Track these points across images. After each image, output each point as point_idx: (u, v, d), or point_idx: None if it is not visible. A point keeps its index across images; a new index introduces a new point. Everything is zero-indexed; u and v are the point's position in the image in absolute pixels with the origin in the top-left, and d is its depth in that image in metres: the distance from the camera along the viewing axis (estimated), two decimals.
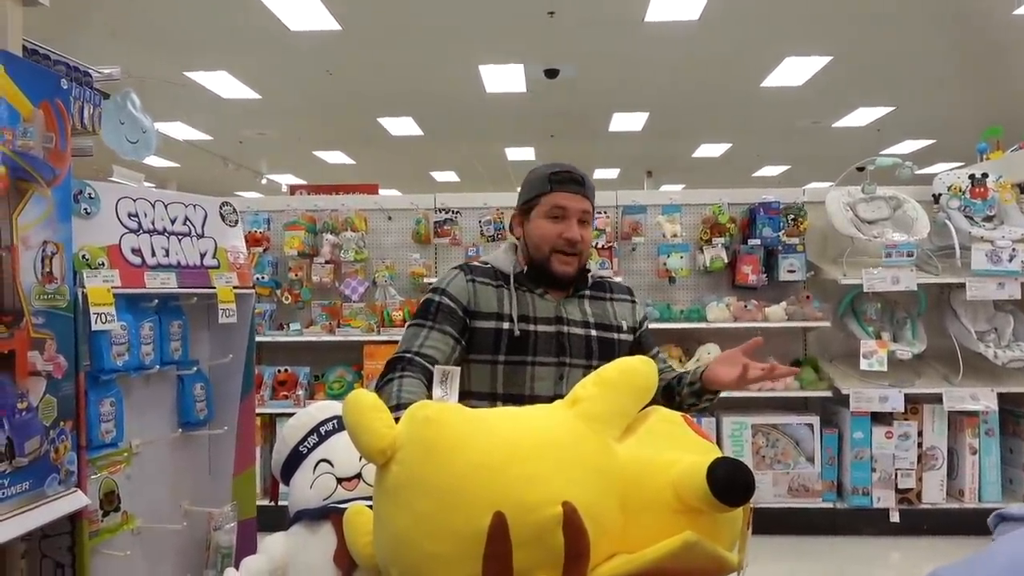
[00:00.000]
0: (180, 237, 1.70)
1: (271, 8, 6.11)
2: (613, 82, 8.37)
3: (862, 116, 9.92)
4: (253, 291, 1.89)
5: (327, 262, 3.92)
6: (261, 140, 10.96)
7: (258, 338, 3.80)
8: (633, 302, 1.83)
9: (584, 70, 7.92)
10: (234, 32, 6.71)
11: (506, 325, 1.64)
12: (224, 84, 8.15)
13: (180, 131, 10.13)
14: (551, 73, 7.91)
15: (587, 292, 1.76)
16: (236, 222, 1.82)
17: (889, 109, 9.57)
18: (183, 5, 6.13)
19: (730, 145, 11.76)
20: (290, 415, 3.70)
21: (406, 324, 1.63)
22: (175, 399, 1.80)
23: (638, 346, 1.79)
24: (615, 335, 1.72)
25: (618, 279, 1.91)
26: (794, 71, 7.91)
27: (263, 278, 3.88)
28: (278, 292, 3.92)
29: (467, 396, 1.63)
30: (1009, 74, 7.96)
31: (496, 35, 6.86)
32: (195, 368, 1.80)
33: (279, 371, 3.83)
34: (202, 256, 1.78)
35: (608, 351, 1.68)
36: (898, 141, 11.21)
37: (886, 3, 6.20)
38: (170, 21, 6.46)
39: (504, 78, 8.12)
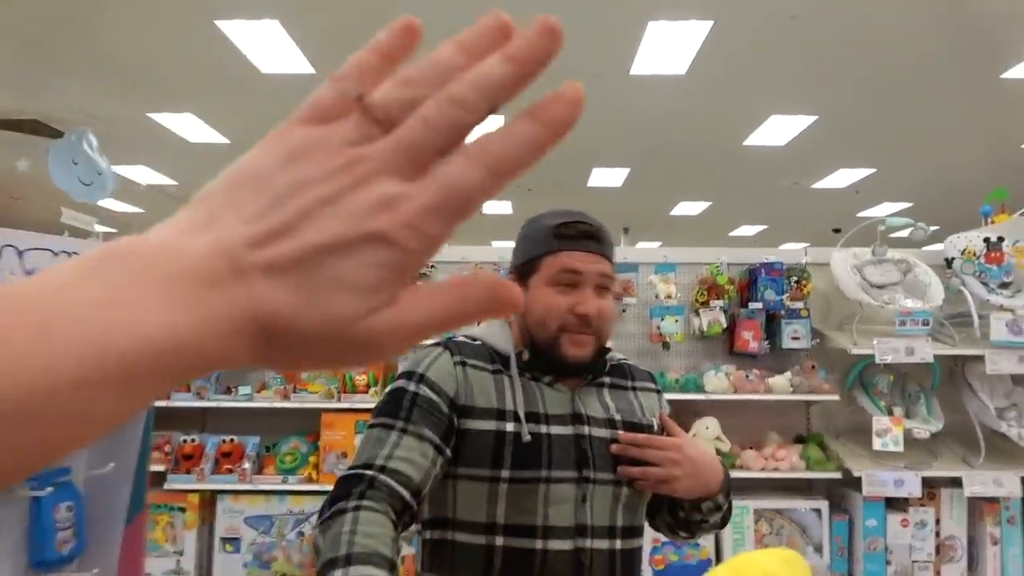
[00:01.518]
0: None
1: (241, 49, 5.83)
2: (595, 136, 8.20)
3: (842, 178, 9.88)
4: None
5: None
6: None
7: (202, 403, 3.37)
8: (658, 392, 1.46)
9: None
10: (202, 73, 6.41)
11: (510, 427, 1.22)
12: (191, 127, 7.83)
13: (143, 175, 9.74)
14: None
15: (606, 380, 1.37)
16: None
17: (870, 171, 9.54)
18: (149, 43, 5.84)
19: (709, 204, 11.67)
20: (234, 492, 3.26)
21: (368, 423, 1.22)
22: (25, 528, 1.32)
23: None
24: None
25: (629, 360, 1.50)
26: (778, 130, 7.82)
27: None
28: None
29: (453, 526, 1.24)
30: (992, 138, 7.93)
31: None
32: (58, 482, 1.32)
33: (224, 440, 3.38)
34: None
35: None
36: (877, 203, 11.21)
37: (873, 64, 6.12)
38: (135, 59, 6.15)
39: (483, 128, 7.90)
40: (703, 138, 8.20)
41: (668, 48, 5.82)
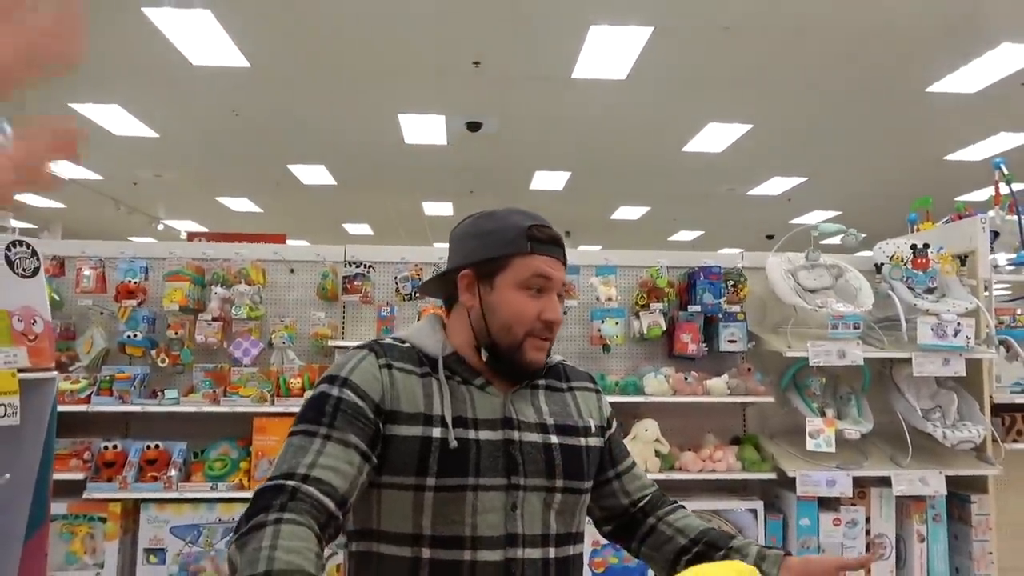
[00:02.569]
0: None
1: (171, 39, 5.61)
2: (537, 139, 8.23)
3: (776, 185, 10.17)
4: (54, 375, 1.33)
5: (215, 319, 3.37)
6: (158, 182, 10.23)
7: (125, 408, 3.20)
8: (597, 391, 1.41)
9: (507, 125, 7.74)
10: (129, 63, 6.14)
11: (436, 432, 1.16)
12: (117, 119, 7.50)
13: (65, 168, 9.28)
14: (473, 126, 7.68)
15: (541, 382, 1.32)
16: (36, 270, 1.30)
17: (801, 179, 9.85)
18: None
19: (648, 208, 11.85)
20: (159, 501, 3.12)
21: (289, 431, 1.14)
22: None
23: (608, 456, 1.37)
24: (582, 440, 1.29)
25: (566, 360, 1.45)
26: (715, 137, 7.99)
27: (135, 336, 3.30)
28: (153, 353, 3.34)
29: (378, 538, 1.18)
30: (917, 150, 8.28)
31: (418, 83, 6.57)
32: None
33: (148, 447, 3.22)
34: None
35: (574, 465, 1.25)
36: (807, 211, 11.57)
37: (805, 76, 6.31)
38: None
39: (424, 129, 7.84)
40: (643, 143, 8.31)
41: (609, 52, 5.87)
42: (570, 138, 8.16)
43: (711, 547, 1.25)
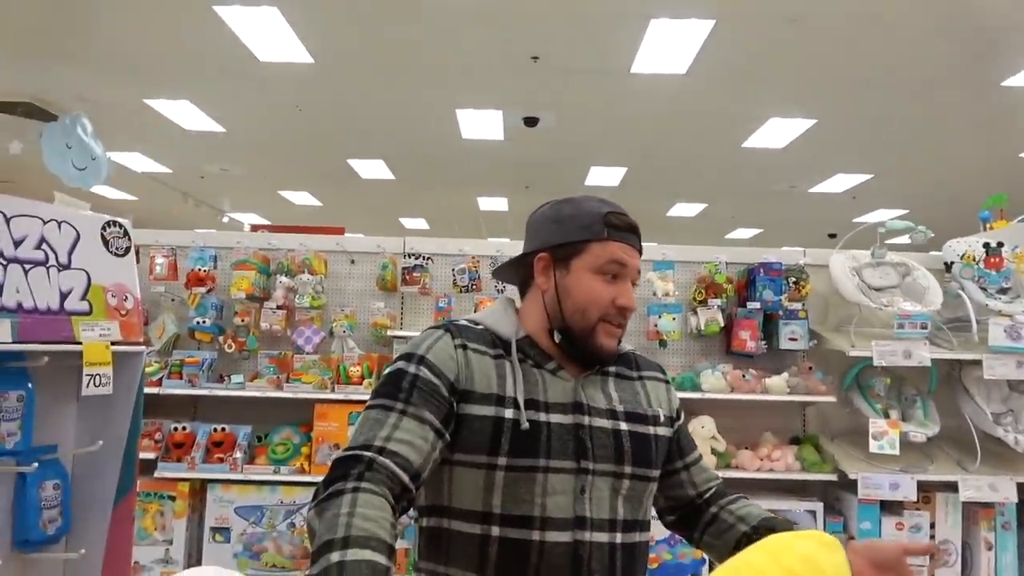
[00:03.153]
0: (27, 267, 1.22)
1: (240, 36, 5.78)
2: (593, 134, 8.19)
3: (839, 183, 9.89)
4: (143, 349, 1.41)
5: (279, 307, 3.48)
6: (224, 176, 10.55)
7: (194, 391, 3.33)
8: (667, 382, 1.40)
9: (564, 120, 7.72)
10: (199, 59, 6.36)
11: (509, 413, 1.18)
12: (186, 114, 7.77)
13: (138, 162, 9.68)
14: (530, 121, 7.69)
15: (611, 369, 1.32)
16: (127, 249, 1.37)
17: (867, 176, 9.55)
18: (146, 28, 5.78)
19: (705, 205, 11.67)
20: (224, 482, 3.23)
21: (367, 404, 1.18)
22: (10, 506, 1.26)
23: (676, 446, 1.37)
24: (651, 429, 1.29)
25: (637, 351, 1.46)
26: (777, 133, 7.81)
27: (204, 322, 3.42)
28: (220, 339, 3.46)
29: (449, 514, 1.20)
30: (991, 146, 7.95)
31: (476, 78, 6.61)
32: (44, 459, 1.27)
33: (215, 429, 3.34)
34: (64, 296, 1.27)
35: (643, 452, 1.25)
36: (872, 209, 11.23)
37: (873, 69, 6.12)
38: (131, 45, 6.09)
39: (482, 124, 7.88)
40: (701, 139, 8.19)
41: (669, 47, 5.81)
42: (627, 133, 8.10)
43: (772, 532, 1.22)
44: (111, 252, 1.34)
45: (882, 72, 6.17)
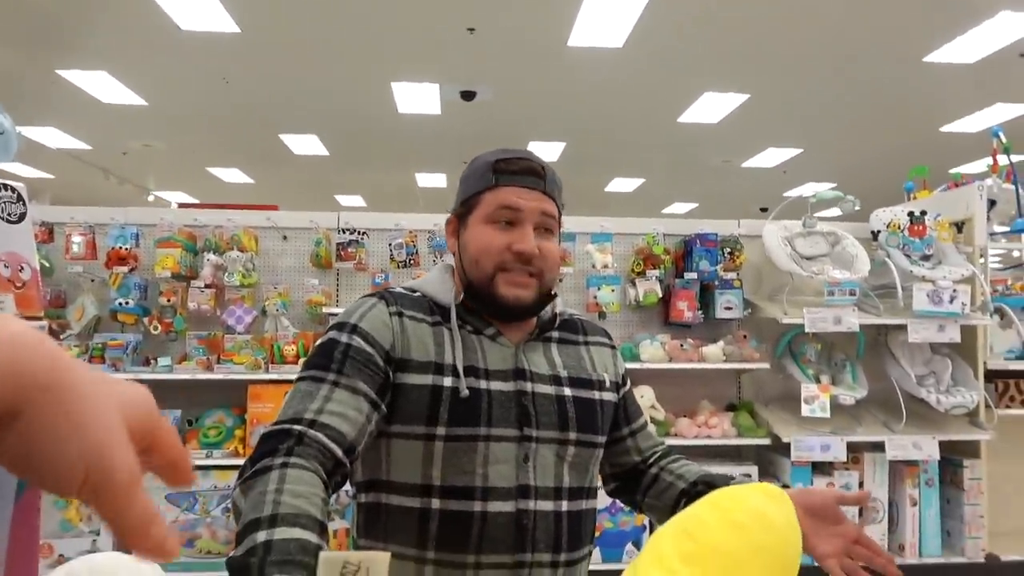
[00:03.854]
0: None
1: (159, 2, 5.49)
2: (531, 108, 8.14)
3: (771, 157, 10.11)
4: (44, 324, 1.30)
5: (207, 286, 3.34)
6: (148, 152, 10.09)
7: (118, 375, 3.17)
8: (612, 347, 1.37)
9: (502, 94, 7.64)
10: (116, 27, 6.02)
11: (447, 381, 1.13)
12: (104, 86, 7.37)
13: (53, 137, 9.15)
14: (468, 95, 7.59)
15: (555, 334, 1.29)
16: (22, 216, 1.25)
17: (797, 151, 9.79)
18: None
19: (643, 180, 11.78)
20: None
21: (296, 376, 1.12)
22: None
23: (623, 413, 1.34)
24: (596, 394, 1.25)
25: (583, 316, 1.43)
26: (712, 107, 7.91)
27: (127, 303, 3.27)
28: (145, 321, 3.31)
29: (388, 489, 1.15)
30: (912, 120, 8.23)
31: (412, 50, 6.46)
32: None
33: None
34: None
35: (588, 418, 1.22)
36: (802, 183, 11.53)
37: (803, 45, 6.24)
38: (43, 9, 5.71)
39: (418, 98, 7.73)
40: (638, 113, 8.23)
41: (606, 20, 5.78)
42: (565, 108, 8.07)
43: (710, 487, 1.21)
44: (3, 219, 1.23)
45: (810, 48, 6.30)
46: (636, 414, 1.38)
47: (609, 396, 1.28)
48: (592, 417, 1.23)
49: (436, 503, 1.11)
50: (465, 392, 1.13)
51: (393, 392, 1.13)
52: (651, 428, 1.42)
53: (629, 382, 1.39)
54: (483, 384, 1.16)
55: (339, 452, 1.02)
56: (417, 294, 1.25)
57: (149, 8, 5.54)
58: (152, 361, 3.26)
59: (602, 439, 1.26)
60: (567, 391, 1.21)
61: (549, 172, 1.24)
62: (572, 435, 1.19)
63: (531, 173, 1.21)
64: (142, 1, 5.43)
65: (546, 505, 1.15)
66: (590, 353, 1.30)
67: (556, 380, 1.21)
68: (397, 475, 1.14)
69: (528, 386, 1.18)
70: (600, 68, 6.81)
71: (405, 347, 1.15)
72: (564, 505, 1.18)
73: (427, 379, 1.13)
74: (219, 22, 5.82)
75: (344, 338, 1.13)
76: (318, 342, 1.16)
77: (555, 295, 1.30)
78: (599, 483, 1.31)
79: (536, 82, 7.23)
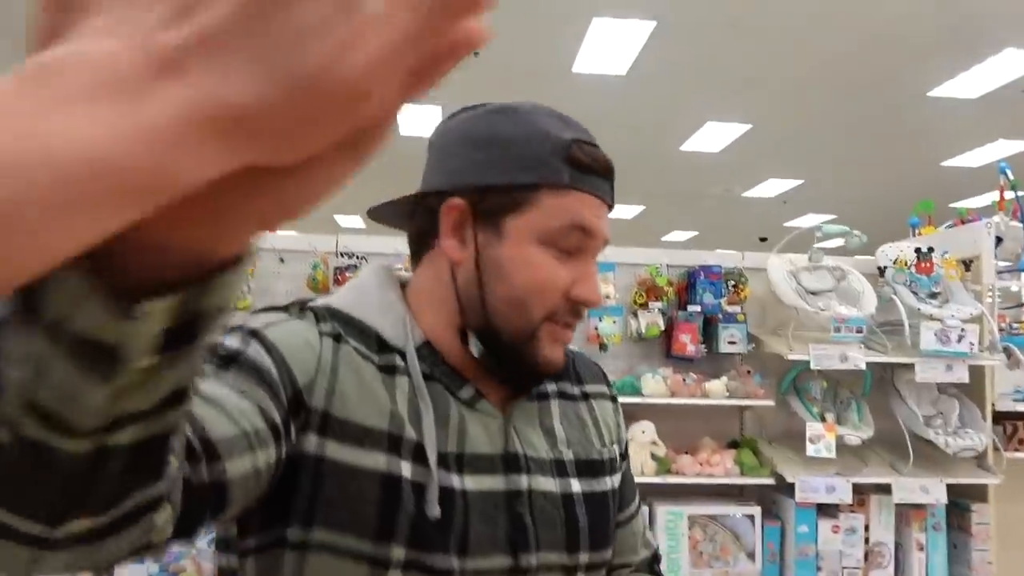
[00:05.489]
0: None
1: None
2: None
3: (772, 187, 10.12)
4: None
5: None
6: None
7: None
8: (613, 398, 0.99)
9: None
10: None
11: (406, 470, 0.71)
12: None
13: None
14: None
15: (551, 387, 0.89)
16: None
17: (798, 182, 9.79)
18: None
19: (643, 208, 11.78)
20: None
21: None
22: None
23: (620, 497, 0.95)
24: (607, 482, 0.88)
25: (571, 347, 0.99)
26: (714, 136, 7.92)
27: None
28: None
29: None
30: (915, 154, 8.24)
31: None
32: None
33: None
34: None
35: (601, 525, 0.84)
36: (802, 214, 11.54)
37: (807, 77, 6.25)
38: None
39: (420, 121, 7.71)
40: (641, 141, 8.23)
41: (611, 46, 5.79)
42: None
43: None
44: None
45: (814, 79, 6.30)
46: (629, 498, 0.99)
47: (616, 480, 0.92)
48: (605, 524, 0.86)
49: None
50: (435, 491, 0.71)
51: (315, 472, 0.69)
52: (642, 519, 1.03)
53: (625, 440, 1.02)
54: (456, 481, 0.74)
55: (195, 440, 0.55)
56: (356, 319, 0.79)
57: None
58: None
59: (611, 553, 0.89)
60: (575, 485, 0.82)
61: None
62: (584, 557, 0.81)
63: (608, 175, 0.82)
64: None
65: None
66: (593, 414, 0.93)
67: (560, 467, 0.82)
68: None
69: (524, 481, 0.78)
70: (604, 95, 6.81)
71: (339, 394, 0.71)
72: None
73: (377, 460, 0.71)
74: None
75: (236, 343, 0.69)
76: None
77: None
78: None
79: None
